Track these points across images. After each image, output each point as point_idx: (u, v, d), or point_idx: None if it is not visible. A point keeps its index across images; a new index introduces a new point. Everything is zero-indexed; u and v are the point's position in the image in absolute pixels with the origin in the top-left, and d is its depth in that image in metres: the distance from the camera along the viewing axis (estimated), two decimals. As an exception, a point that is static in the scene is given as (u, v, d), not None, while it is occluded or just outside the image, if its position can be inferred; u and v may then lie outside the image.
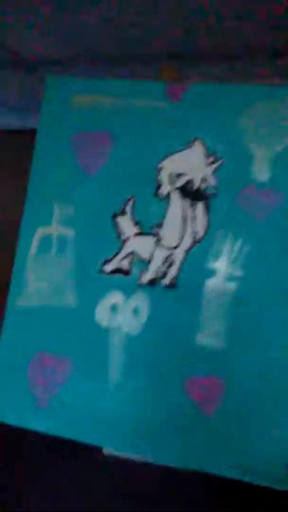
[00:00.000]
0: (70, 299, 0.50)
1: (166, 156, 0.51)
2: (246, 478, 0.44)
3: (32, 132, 0.55)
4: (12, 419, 0.49)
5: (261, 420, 0.44)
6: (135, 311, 0.49)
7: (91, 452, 0.51)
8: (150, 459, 0.47)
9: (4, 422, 0.49)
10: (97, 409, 0.47)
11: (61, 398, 0.48)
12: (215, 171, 0.50)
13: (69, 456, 0.51)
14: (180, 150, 0.51)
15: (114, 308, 0.49)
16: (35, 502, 0.48)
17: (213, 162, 0.50)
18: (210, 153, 0.50)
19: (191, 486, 0.48)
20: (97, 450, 0.51)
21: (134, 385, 0.47)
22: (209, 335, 0.47)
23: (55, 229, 0.53)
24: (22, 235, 0.53)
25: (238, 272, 0.47)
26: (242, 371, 0.45)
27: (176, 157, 0.51)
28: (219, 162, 0.50)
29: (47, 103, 0.55)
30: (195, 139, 0.51)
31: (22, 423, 0.49)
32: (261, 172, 0.49)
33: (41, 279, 0.52)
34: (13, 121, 0.98)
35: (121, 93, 0.54)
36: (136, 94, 0.53)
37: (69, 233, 0.52)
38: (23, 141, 0.62)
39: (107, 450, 0.51)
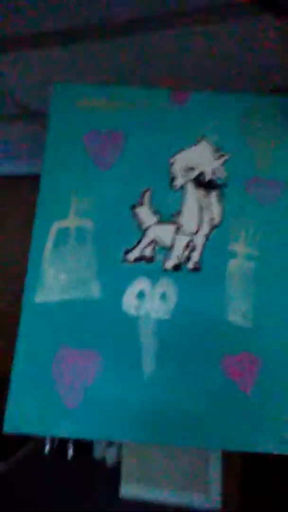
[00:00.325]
0: (93, 290, 0.49)
1: (177, 152, 0.55)
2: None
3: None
4: (38, 428, 0.44)
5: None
6: (163, 297, 0.49)
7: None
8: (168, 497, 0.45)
9: (31, 433, 0.44)
10: (133, 403, 0.45)
11: (92, 395, 0.45)
12: (223, 164, 0.54)
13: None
14: (189, 147, 0.55)
15: (141, 295, 0.49)
16: None
17: (220, 157, 0.55)
18: (216, 148, 0.55)
19: None
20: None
21: (169, 372, 0.46)
22: (238, 313, 0.48)
23: (72, 222, 0.52)
24: (36, 230, 0.52)
25: (255, 252, 0.51)
26: (275, 345, 0.47)
27: (186, 152, 0.55)
28: (226, 156, 0.55)
29: (55, 107, 0.57)
30: (202, 136, 0.56)
31: (50, 431, 0.44)
32: (263, 165, 0.54)
33: (60, 272, 0.50)
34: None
35: (127, 98, 0.57)
36: (142, 98, 0.57)
37: (88, 224, 0.52)
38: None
39: (125, 492, 0.48)
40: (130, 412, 0.45)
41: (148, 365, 0.46)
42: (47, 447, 0.55)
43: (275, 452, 0.44)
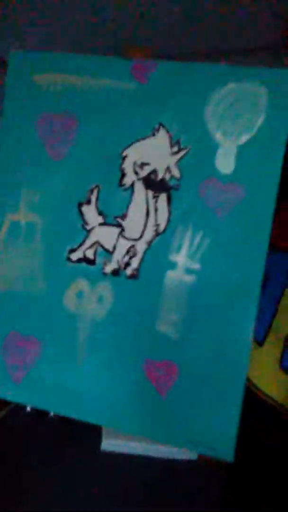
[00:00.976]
0: (39, 285, 0.53)
1: (131, 143, 0.50)
2: (197, 449, 0.50)
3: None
4: None
5: (210, 401, 0.49)
6: (100, 299, 0.52)
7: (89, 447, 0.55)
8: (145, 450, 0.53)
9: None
10: (67, 384, 0.52)
11: (34, 374, 0.53)
12: (178, 161, 0.49)
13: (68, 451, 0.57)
14: (144, 138, 0.50)
15: (80, 295, 0.52)
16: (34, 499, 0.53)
17: (177, 151, 0.49)
18: (174, 141, 0.49)
19: (189, 480, 0.53)
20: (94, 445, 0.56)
21: (98, 363, 0.52)
22: (167, 324, 0.50)
23: (22, 216, 0.54)
24: (-9, 220, 0.55)
25: (196, 266, 0.49)
26: (196, 357, 0.49)
27: (140, 144, 0.50)
28: (184, 151, 0.49)
29: (11, 82, 0.53)
30: (160, 125, 0.49)
31: (3, 398, 0.55)
32: (224, 165, 0.48)
33: (11, 264, 0.54)
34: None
35: (86, 71, 0.51)
36: (101, 73, 0.51)
37: (37, 220, 0.53)
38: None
39: (105, 447, 0.56)
40: (65, 391, 0.53)
41: (81, 354, 0.53)
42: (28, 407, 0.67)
43: (181, 447, 0.50)
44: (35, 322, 0.54)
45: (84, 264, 0.52)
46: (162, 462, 0.55)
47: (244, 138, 0.47)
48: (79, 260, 0.52)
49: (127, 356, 0.51)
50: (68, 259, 0.53)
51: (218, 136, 0.48)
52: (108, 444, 0.56)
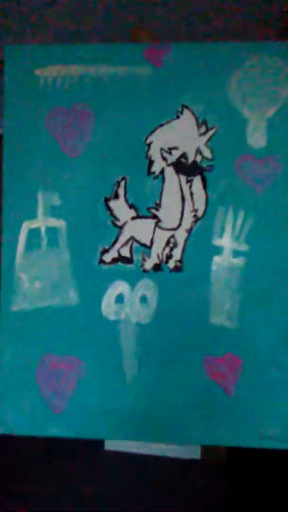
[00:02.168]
0: (71, 296, 0.47)
1: (154, 129, 0.47)
2: (273, 445, 0.45)
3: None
4: (28, 431, 0.47)
5: (280, 390, 0.45)
6: (143, 300, 0.47)
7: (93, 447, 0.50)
8: (150, 449, 0.47)
9: (22, 434, 0.47)
10: (116, 406, 0.46)
11: (77, 401, 0.46)
12: (208, 141, 0.47)
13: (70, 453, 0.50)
14: (169, 121, 0.47)
15: (120, 299, 0.47)
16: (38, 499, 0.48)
17: (205, 132, 0.47)
18: (201, 121, 0.47)
19: (192, 479, 0.49)
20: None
21: (151, 375, 0.46)
22: (222, 314, 0.46)
23: (42, 222, 0.48)
24: (5, 232, 0.48)
25: (243, 247, 0.46)
26: (258, 346, 0.46)
27: (165, 129, 0.47)
28: (213, 130, 0.47)
29: (10, 79, 0.48)
30: (183, 107, 0.47)
31: (39, 432, 0.47)
32: (257, 139, 0.46)
33: (35, 278, 0.48)
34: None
35: (95, 60, 0.48)
36: (112, 60, 0.48)
37: (60, 224, 0.48)
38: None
39: (109, 446, 0.50)
40: (114, 414, 0.46)
41: (130, 369, 0.47)
42: None
43: (254, 446, 0.45)
44: (71, 339, 0.47)
45: (120, 264, 0.47)
46: (165, 460, 0.51)
47: (271, 111, 0.46)
48: (114, 261, 0.47)
49: (184, 358, 0.46)
50: (101, 261, 0.47)
51: (245, 111, 0.47)
52: (112, 443, 0.51)
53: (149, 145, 0.47)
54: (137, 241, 0.47)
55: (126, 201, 0.47)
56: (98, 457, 0.53)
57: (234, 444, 0.46)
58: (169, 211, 0.47)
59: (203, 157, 0.47)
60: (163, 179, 0.47)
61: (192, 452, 0.57)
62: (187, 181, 0.47)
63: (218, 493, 0.48)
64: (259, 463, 0.48)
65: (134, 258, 0.47)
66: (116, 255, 0.47)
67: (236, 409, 0.45)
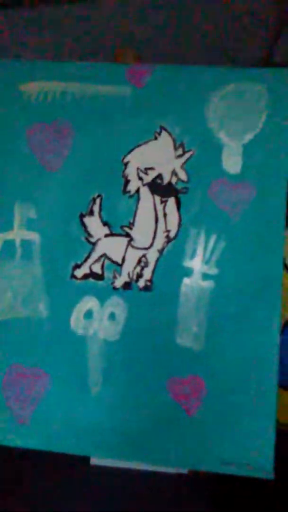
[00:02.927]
0: (41, 309, 0.48)
1: (132, 149, 0.48)
2: (233, 471, 0.45)
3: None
4: None
5: (243, 415, 0.45)
6: (111, 317, 0.47)
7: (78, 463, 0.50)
8: (137, 464, 0.48)
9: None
10: (80, 420, 0.47)
11: (42, 412, 0.47)
12: (184, 164, 0.47)
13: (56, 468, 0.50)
14: (146, 142, 0.48)
15: (89, 315, 0.48)
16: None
17: (182, 154, 0.47)
18: (178, 144, 0.48)
19: (179, 491, 0.49)
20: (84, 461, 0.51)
21: (115, 391, 0.47)
22: (188, 336, 0.47)
23: (17, 234, 0.49)
24: (-19, 243, 0.49)
25: (213, 270, 0.47)
26: (222, 369, 0.46)
27: (142, 149, 0.48)
28: (189, 153, 0.47)
29: None
30: (162, 129, 0.48)
31: (4, 442, 0.47)
32: (232, 164, 0.47)
33: (7, 289, 0.48)
34: None
35: (78, 78, 0.49)
36: (95, 79, 0.48)
37: (34, 237, 0.48)
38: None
39: (95, 460, 0.51)
40: (77, 429, 0.47)
41: (95, 384, 0.47)
42: None
43: (215, 471, 0.46)
44: (39, 351, 0.48)
45: (91, 280, 0.48)
46: (152, 475, 0.50)
47: (248, 137, 0.47)
48: (85, 276, 0.48)
49: (148, 377, 0.47)
50: (73, 276, 0.48)
51: (222, 136, 0.47)
52: (97, 458, 0.51)
53: (126, 164, 0.48)
54: (109, 259, 0.48)
55: (101, 218, 0.48)
56: (83, 472, 0.52)
57: (195, 467, 0.46)
58: (142, 231, 0.47)
59: (179, 179, 0.47)
60: (138, 199, 0.48)
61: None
62: (162, 202, 0.48)
63: (206, 508, 0.48)
64: (247, 477, 0.48)
65: (105, 275, 0.48)
66: (87, 271, 0.48)
67: (198, 432, 0.46)
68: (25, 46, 0.61)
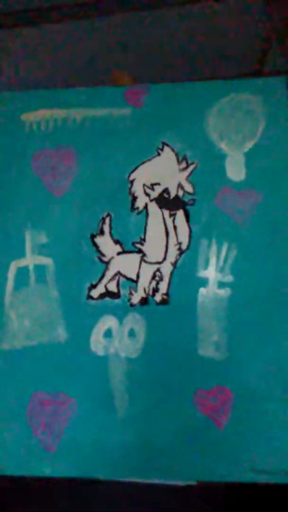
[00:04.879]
0: (59, 332, 0.47)
1: (136, 166, 0.49)
2: (266, 479, 0.44)
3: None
4: (21, 471, 0.46)
5: (272, 422, 0.45)
6: (131, 334, 0.47)
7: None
8: (169, 480, 0.47)
9: (14, 474, 0.46)
10: (108, 442, 0.46)
11: (68, 439, 0.46)
12: (189, 176, 0.48)
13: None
14: (150, 159, 0.49)
15: (108, 334, 0.47)
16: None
17: (186, 167, 0.48)
18: (181, 158, 0.49)
19: (188, 503, 0.48)
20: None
21: (142, 410, 0.46)
22: (209, 346, 0.46)
23: (30, 260, 0.49)
24: (-6, 271, 0.49)
25: (228, 278, 0.47)
26: (248, 377, 0.45)
27: (146, 166, 0.49)
28: (193, 166, 0.48)
29: None
30: (164, 144, 0.49)
31: (32, 472, 0.46)
32: (235, 173, 0.48)
33: (24, 316, 0.48)
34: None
35: (78, 104, 0.50)
36: (94, 103, 0.50)
37: (47, 262, 0.49)
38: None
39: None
40: (106, 452, 0.46)
41: (121, 404, 0.46)
42: None
43: (248, 481, 0.45)
44: (61, 376, 0.47)
45: (108, 299, 0.48)
46: (160, 488, 0.49)
47: (248, 145, 0.48)
48: (102, 296, 0.48)
49: (174, 392, 0.46)
50: (89, 297, 0.48)
51: (223, 146, 0.48)
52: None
53: (132, 182, 0.49)
54: (124, 276, 0.48)
55: (112, 237, 0.48)
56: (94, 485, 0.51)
57: (228, 479, 0.45)
58: (153, 245, 0.48)
59: (185, 192, 0.48)
60: (147, 214, 0.48)
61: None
62: (170, 215, 0.48)
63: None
64: (258, 487, 0.47)
65: (121, 292, 0.48)
66: (103, 290, 0.48)
67: (228, 443, 0.45)
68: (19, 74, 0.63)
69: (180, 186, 0.48)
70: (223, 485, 0.46)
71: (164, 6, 0.61)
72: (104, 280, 0.48)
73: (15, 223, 0.49)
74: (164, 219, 0.48)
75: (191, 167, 0.48)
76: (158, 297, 0.47)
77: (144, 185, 0.48)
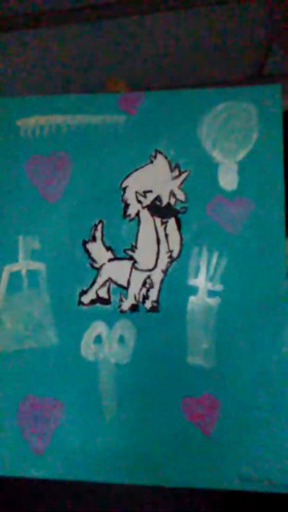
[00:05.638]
0: (51, 337, 0.48)
1: (129, 174, 0.49)
2: (252, 487, 0.45)
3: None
4: (10, 472, 0.47)
5: (259, 431, 0.45)
6: (121, 340, 0.48)
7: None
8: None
9: (2, 475, 0.47)
10: (96, 446, 0.46)
11: (57, 442, 0.47)
12: (181, 184, 0.48)
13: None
14: (143, 166, 0.49)
15: (99, 340, 0.48)
16: None
17: (178, 175, 0.48)
18: (173, 166, 0.49)
19: (189, 507, 0.48)
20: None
21: (130, 415, 0.47)
22: (198, 354, 0.47)
23: (23, 265, 0.49)
24: (-13, 276, 0.50)
25: (218, 287, 0.47)
26: (235, 386, 0.46)
27: (139, 173, 0.49)
28: (185, 174, 0.48)
29: None
30: (157, 152, 0.49)
31: (21, 473, 0.47)
32: (228, 181, 0.48)
33: (16, 320, 0.49)
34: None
35: (72, 110, 0.50)
36: (88, 110, 0.50)
37: (40, 266, 0.49)
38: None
39: None
40: (94, 455, 0.47)
41: (109, 410, 0.47)
42: None
43: (234, 488, 0.45)
44: (52, 380, 0.48)
45: (98, 305, 0.48)
46: (160, 490, 0.49)
47: (242, 154, 0.48)
48: (93, 302, 0.48)
49: (162, 398, 0.47)
50: (80, 302, 0.48)
51: (216, 155, 0.48)
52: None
53: (124, 189, 0.49)
54: (115, 282, 0.48)
55: (103, 243, 0.49)
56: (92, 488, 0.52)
57: (214, 486, 0.46)
58: (145, 253, 0.48)
59: (177, 200, 0.48)
60: (139, 222, 0.49)
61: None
62: (162, 223, 0.48)
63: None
64: (258, 492, 0.47)
65: (112, 299, 0.48)
66: (94, 296, 0.48)
67: (215, 450, 0.45)
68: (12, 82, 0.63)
69: (172, 194, 0.48)
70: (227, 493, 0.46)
71: (164, 9, 0.61)
72: (95, 286, 0.48)
73: (8, 228, 0.50)
74: (155, 226, 0.48)
75: (183, 175, 0.48)
76: (148, 304, 0.48)
77: (136, 192, 0.49)
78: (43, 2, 0.57)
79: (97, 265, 0.49)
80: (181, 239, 0.48)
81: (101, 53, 0.59)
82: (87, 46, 0.58)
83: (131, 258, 0.48)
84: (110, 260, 0.49)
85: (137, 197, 0.49)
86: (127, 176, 0.49)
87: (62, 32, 0.57)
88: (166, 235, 0.48)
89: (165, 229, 0.48)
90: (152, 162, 0.49)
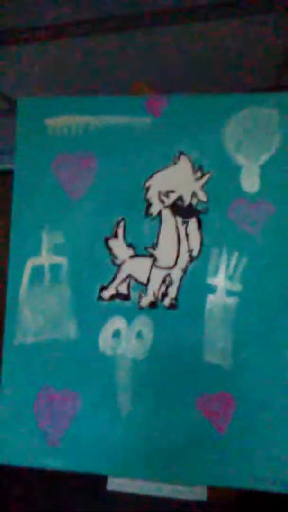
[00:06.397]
0: (70, 330, 0.49)
1: (153, 174, 0.50)
2: (265, 488, 0.45)
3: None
4: (25, 461, 0.48)
5: (273, 431, 0.45)
6: (139, 336, 0.48)
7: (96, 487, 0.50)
8: (154, 491, 0.48)
9: (18, 465, 0.48)
10: (111, 440, 0.47)
11: (72, 433, 0.47)
12: (204, 186, 0.49)
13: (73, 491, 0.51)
14: (166, 167, 0.50)
15: (117, 335, 0.49)
16: None
17: (201, 177, 0.50)
18: (196, 167, 0.50)
19: None
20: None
21: (145, 410, 0.47)
22: (215, 352, 0.47)
23: (46, 259, 0.51)
24: (11, 268, 0.51)
25: (237, 287, 0.48)
26: (251, 385, 0.46)
27: (163, 174, 0.50)
28: (207, 176, 0.49)
29: (22, 128, 0.53)
30: (180, 154, 0.50)
31: (35, 463, 0.48)
32: (250, 184, 0.49)
33: (37, 312, 0.50)
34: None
35: (100, 111, 0.52)
36: (116, 111, 0.52)
37: (62, 261, 0.50)
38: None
39: (111, 485, 0.51)
40: (109, 449, 0.47)
41: (125, 404, 0.48)
42: None
43: (247, 487, 0.45)
44: (69, 372, 0.49)
45: (118, 301, 0.49)
46: (170, 502, 0.49)
47: (264, 158, 0.49)
48: (112, 297, 0.49)
49: (178, 395, 0.47)
50: (100, 297, 0.49)
51: (239, 158, 0.49)
52: (114, 482, 0.50)
53: (147, 189, 0.50)
54: (135, 279, 0.49)
55: (125, 240, 0.50)
56: (99, 497, 0.52)
57: (226, 485, 0.46)
58: (165, 251, 0.49)
59: (199, 200, 0.49)
60: (160, 221, 0.50)
61: (199, 494, 0.55)
62: (183, 223, 0.49)
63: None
64: (270, 502, 0.47)
65: (131, 295, 0.49)
66: (114, 292, 0.49)
67: (228, 449, 0.46)
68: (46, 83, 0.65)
69: (194, 194, 0.49)
70: (234, 500, 0.46)
71: (185, 21, 0.63)
72: (116, 282, 0.49)
73: (33, 223, 0.51)
74: (177, 226, 0.49)
75: (206, 177, 0.49)
76: (167, 302, 0.49)
77: (159, 192, 0.50)
78: (69, 13, 0.59)
79: (118, 262, 0.50)
80: (202, 239, 0.49)
81: (127, 62, 0.61)
82: (114, 54, 0.60)
83: (151, 255, 0.49)
84: (131, 257, 0.50)
85: (159, 197, 0.50)
86: (151, 176, 0.50)
87: (87, 41, 0.59)
88: (187, 235, 0.49)
89: (186, 228, 0.49)
90: (175, 163, 0.50)
